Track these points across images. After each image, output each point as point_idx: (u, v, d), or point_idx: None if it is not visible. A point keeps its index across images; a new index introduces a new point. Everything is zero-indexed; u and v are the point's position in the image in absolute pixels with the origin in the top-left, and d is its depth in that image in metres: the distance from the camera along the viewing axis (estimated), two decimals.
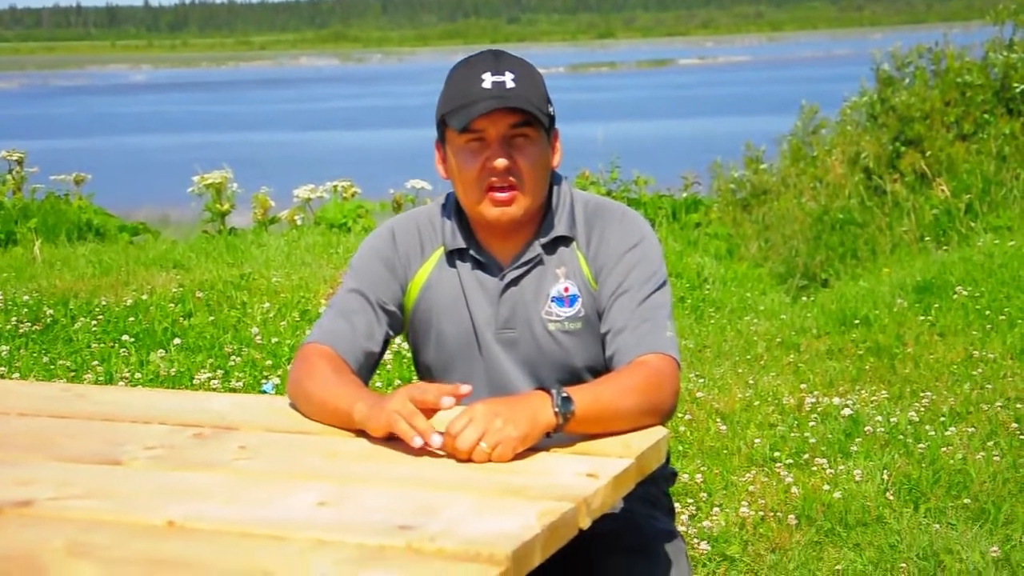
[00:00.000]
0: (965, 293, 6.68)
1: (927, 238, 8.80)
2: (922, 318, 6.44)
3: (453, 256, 2.42)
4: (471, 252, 2.41)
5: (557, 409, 2.03)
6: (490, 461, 1.95)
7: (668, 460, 2.58)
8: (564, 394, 2.05)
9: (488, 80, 2.30)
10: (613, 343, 2.30)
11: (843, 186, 10.56)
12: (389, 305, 2.40)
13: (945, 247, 8.38)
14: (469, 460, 1.96)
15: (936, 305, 6.60)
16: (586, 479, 1.88)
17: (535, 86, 2.34)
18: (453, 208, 2.43)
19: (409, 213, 2.49)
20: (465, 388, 2.04)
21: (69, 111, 42.20)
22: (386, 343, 2.41)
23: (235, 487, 1.88)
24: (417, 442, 1.99)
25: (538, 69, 2.42)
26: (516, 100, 2.28)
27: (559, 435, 2.05)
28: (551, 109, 2.38)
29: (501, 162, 2.30)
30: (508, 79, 2.30)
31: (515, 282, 2.39)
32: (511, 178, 2.31)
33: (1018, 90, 10.25)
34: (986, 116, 10.20)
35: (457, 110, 2.31)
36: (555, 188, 2.43)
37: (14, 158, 10.28)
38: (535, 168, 2.33)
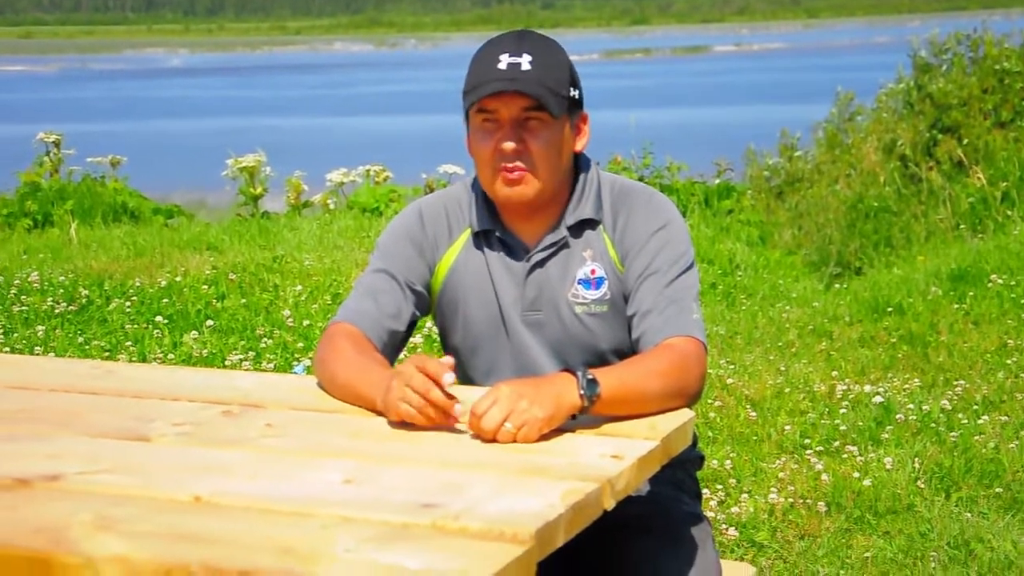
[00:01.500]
0: (1000, 282, 6.63)
1: (962, 226, 8.73)
2: (956, 306, 6.39)
3: (480, 238, 2.42)
4: (497, 234, 2.40)
5: (583, 391, 2.03)
6: (515, 442, 1.96)
7: (695, 444, 2.57)
8: (589, 376, 2.04)
9: (504, 61, 2.29)
10: (639, 325, 2.30)
11: (878, 174, 10.48)
12: (416, 285, 2.41)
13: (981, 235, 8.31)
14: (494, 441, 1.96)
15: (971, 293, 6.55)
16: (611, 460, 1.88)
17: (555, 69, 2.32)
18: (480, 188, 2.43)
19: (437, 194, 2.49)
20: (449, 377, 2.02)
21: (106, 95, 42.45)
22: (413, 323, 2.41)
23: (261, 464, 1.89)
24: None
25: (570, 55, 2.39)
26: (526, 83, 2.27)
27: (584, 417, 2.05)
28: (574, 92, 2.36)
29: (508, 145, 2.29)
30: (525, 60, 2.29)
31: (541, 264, 2.39)
32: (519, 162, 2.31)
33: None
34: None
35: (472, 89, 2.31)
36: (582, 172, 2.42)
37: (51, 140, 10.35)
38: (547, 151, 2.32)
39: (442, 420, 2.02)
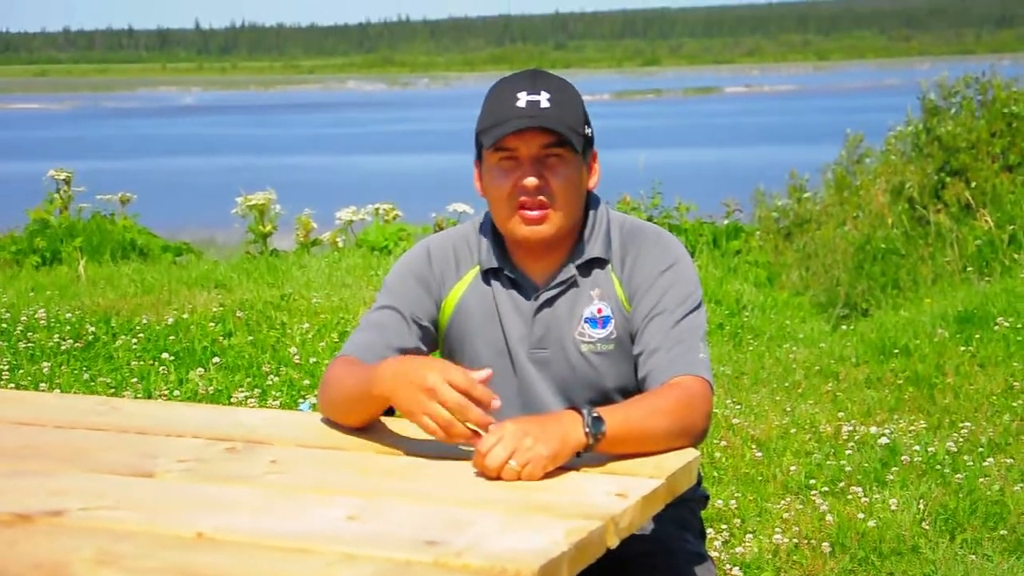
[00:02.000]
0: (1007, 324, 6.63)
1: (969, 269, 8.73)
2: (963, 348, 6.39)
3: (488, 275, 2.43)
4: (506, 272, 2.42)
5: (588, 429, 2.03)
6: (519, 479, 1.96)
7: (700, 483, 2.57)
8: (595, 414, 2.05)
9: (523, 99, 2.31)
10: (646, 364, 2.30)
11: (886, 216, 10.49)
12: (423, 320, 2.42)
13: (988, 278, 8.31)
14: (498, 478, 1.97)
15: (977, 336, 6.54)
16: (615, 498, 1.89)
17: (571, 107, 2.35)
18: (490, 227, 2.45)
19: (445, 232, 2.51)
20: (496, 403, 2.04)
21: (119, 132, 42.67)
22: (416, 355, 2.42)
23: (265, 501, 1.90)
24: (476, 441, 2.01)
25: (581, 94, 2.42)
26: (548, 120, 2.29)
27: (589, 455, 2.05)
28: (588, 131, 2.39)
29: (531, 181, 2.31)
30: (543, 99, 2.31)
31: (549, 303, 2.40)
32: (542, 197, 2.32)
33: None
34: None
35: (491, 128, 2.33)
36: (591, 210, 2.44)
37: (61, 177, 10.40)
38: (567, 188, 2.34)
39: (466, 440, 2.02)
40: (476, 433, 2.02)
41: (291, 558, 1.65)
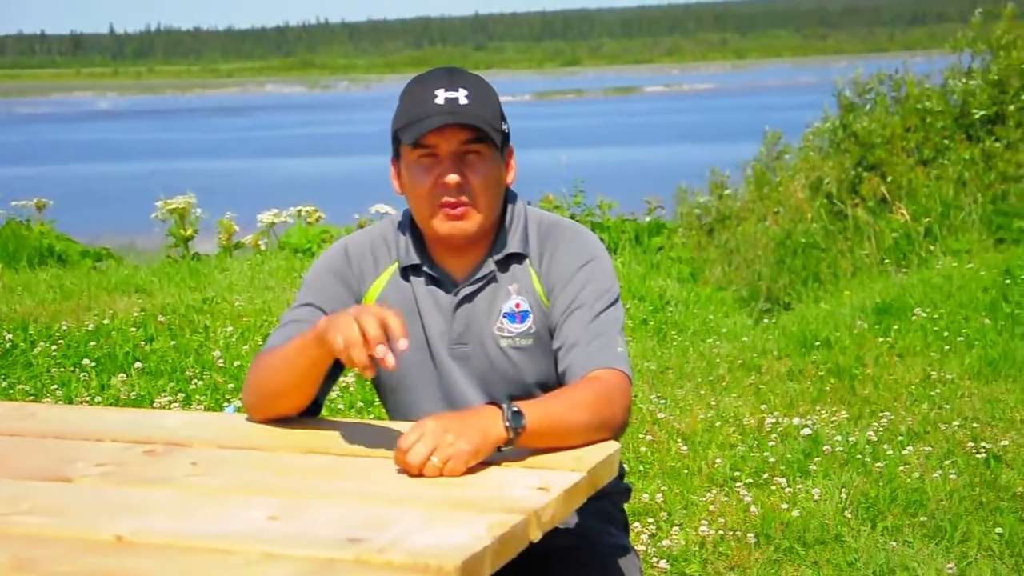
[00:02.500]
0: (924, 315, 6.74)
1: (887, 261, 8.87)
2: (882, 340, 6.49)
3: (408, 272, 2.42)
4: (425, 268, 2.41)
5: (508, 423, 2.04)
6: (441, 475, 1.96)
7: (623, 475, 2.59)
8: (515, 408, 2.05)
9: (441, 96, 2.31)
10: (565, 358, 2.31)
11: (805, 211, 10.63)
12: None
13: (905, 270, 8.46)
14: (420, 475, 1.96)
15: (895, 327, 6.65)
16: (537, 492, 1.89)
17: (489, 103, 2.35)
18: (408, 224, 2.44)
19: (363, 230, 2.50)
20: (404, 344, 2.04)
21: (32, 138, 41.99)
22: None
23: (186, 503, 1.88)
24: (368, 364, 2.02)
25: (503, 96, 2.44)
26: (468, 116, 2.30)
27: (510, 449, 2.06)
28: (505, 127, 2.40)
29: (452, 178, 2.31)
30: (461, 95, 2.31)
31: (469, 298, 2.40)
32: (463, 196, 2.33)
33: (977, 116, 10.37)
34: (946, 142, 10.32)
35: (409, 125, 2.32)
36: (509, 205, 2.44)
37: None
38: (487, 185, 2.34)
39: (361, 368, 2.03)
40: (372, 365, 2.02)
41: (212, 559, 1.63)
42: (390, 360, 2.01)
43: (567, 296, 2.35)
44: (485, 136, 2.31)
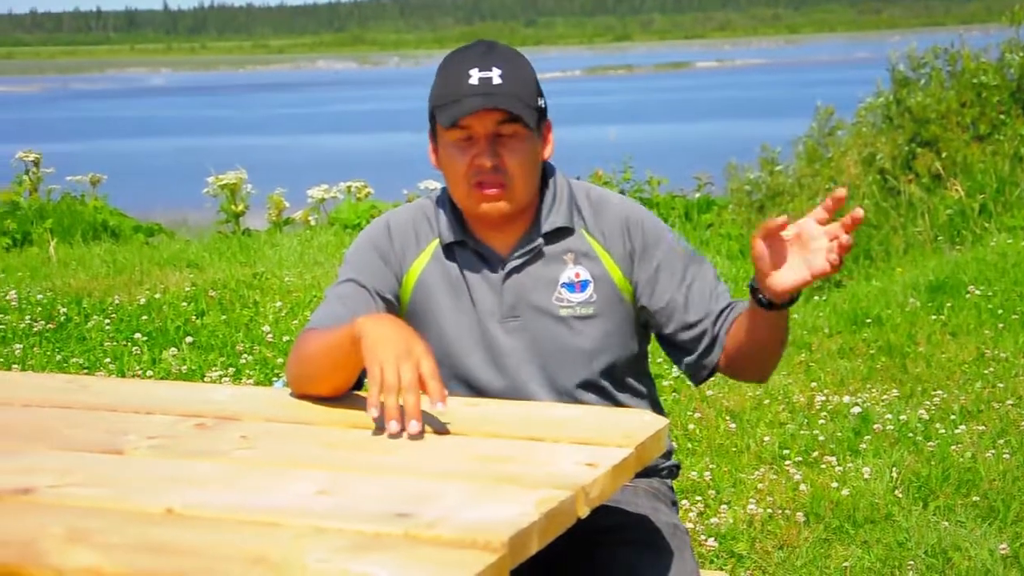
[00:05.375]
0: (978, 292, 6.66)
1: (940, 238, 8.77)
2: (934, 317, 6.42)
3: (452, 248, 2.42)
4: (469, 244, 2.41)
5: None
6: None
7: (671, 453, 2.58)
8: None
9: (475, 76, 2.30)
10: (717, 310, 2.41)
11: (858, 187, 10.53)
12: (385, 293, 2.40)
13: (959, 247, 8.36)
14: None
15: (948, 304, 6.58)
16: (585, 468, 1.88)
17: (523, 81, 2.34)
18: (447, 200, 2.44)
19: (405, 206, 2.50)
20: (442, 407, 1.99)
21: (87, 114, 42.38)
22: None
23: (235, 476, 1.89)
24: (388, 423, 1.98)
25: (552, 72, 2.44)
26: (502, 99, 2.29)
27: (566, 421, 2.06)
28: (541, 102, 2.38)
29: (487, 161, 2.30)
30: (495, 75, 2.30)
31: (517, 271, 2.39)
32: (499, 176, 2.32)
33: None
34: (1002, 117, 10.17)
35: (445, 106, 2.32)
36: (550, 179, 2.43)
37: (30, 159, 10.33)
38: (523, 164, 2.33)
39: (381, 413, 1.99)
40: (394, 416, 1.98)
41: (261, 532, 1.64)
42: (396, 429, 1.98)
43: (671, 277, 2.40)
44: (519, 117, 2.30)
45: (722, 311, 2.41)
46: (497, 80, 2.30)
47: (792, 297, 2.22)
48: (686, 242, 2.48)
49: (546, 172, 2.44)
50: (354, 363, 2.12)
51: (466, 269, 2.41)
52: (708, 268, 2.45)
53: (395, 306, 2.42)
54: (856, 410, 4.92)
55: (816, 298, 7.79)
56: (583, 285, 2.39)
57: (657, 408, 2.50)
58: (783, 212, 10.83)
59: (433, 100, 2.36)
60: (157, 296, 6.49)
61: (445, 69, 2.36)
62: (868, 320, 6.55)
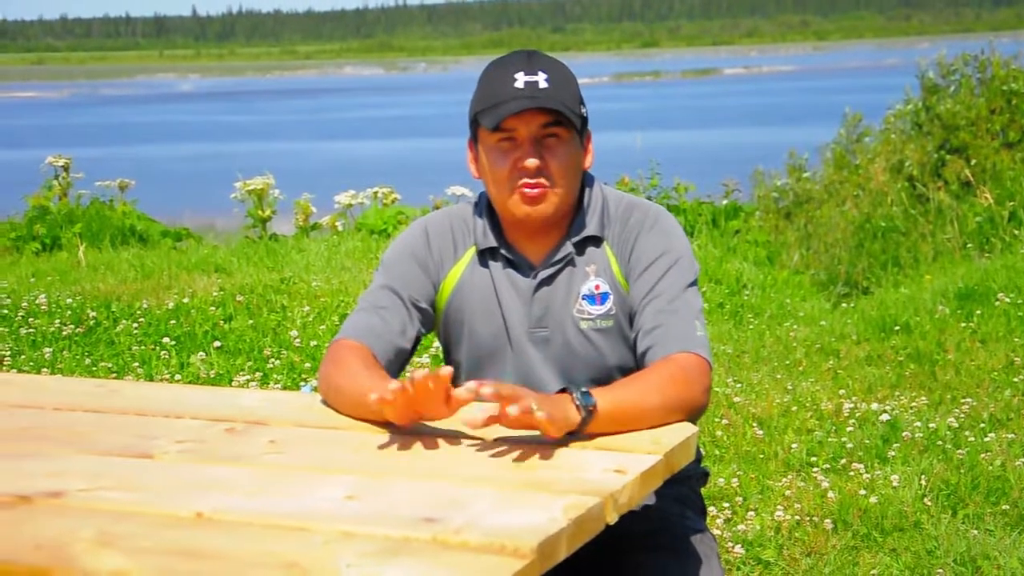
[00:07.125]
0: (1007, 300, 6.62)
1: (970, 245, 8.72)
2: (963, 325, 6.38)
3: (485, 255, 2.42)
4: (502, 251, 2.41)
5: (578, 403, 2.02)
6: (540, 428, 1.94)
7: (700, 459, 2.57)
8: (583, 390, 2.04)
9: (521, 80, 2.30)
10: (643, 342, 2.30)
11: (886, 194, 10.47)
12: (421, 302, 2.41)
13: (988, 254, 8.30)
14: (520, 423, 1.93)
15: (978, 312, 6.54)
16: (614, 474, 1.88)
17: (568, 87, 2.34)
18: (485, 207, 2.44)
19: (443, 211, 2.50)
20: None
21: (117, 120, 42.62)
22: (417, 340, 2.41)
23: (264, 480, 1.89)
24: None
25: (580, 78, 2.43)
26: (548, 100, 2.29)
27: (585, 437, 2.04)
28: (584, 110, 2.38)
29: (532, 162, 2.30)
30: (541, 79, 2.31)
31: (547, 281, 2.39)
32: (542, 178, 2.32)
33: None
34: None
35: (489, 109, 2.31)
36: (587, 189, 2.43)
37: (60, 164, 10.39)
38: (566, 168, 2.33)
39: (402, 407, 2.03)
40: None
41: (290, 536, 1.64)
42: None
43: (646, 281, 2.33)
44: (564, 120, 2.30)
45: (650, 350, 2.26)
46: (543, 84, 2.30)
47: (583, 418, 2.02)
48: (692, 273, 2.35)
49: (584, 181, 2.43)
50: (381, 415, 2.13)
51: (498, 276, 2.41)
52: (687, 306, 2.30)
53: (430, 315, 2.43)
54: (884, 417, 4.90)
55: (844, 305, 7.75)
56: (603, 298, 2.38)
57: None
58: (810, 219, 10.83)
59: (476, 105, 2.36)
60: (185, 300, 6.52)
61: (489, 75, 2.36)
62: (896, 327, 6.52)
